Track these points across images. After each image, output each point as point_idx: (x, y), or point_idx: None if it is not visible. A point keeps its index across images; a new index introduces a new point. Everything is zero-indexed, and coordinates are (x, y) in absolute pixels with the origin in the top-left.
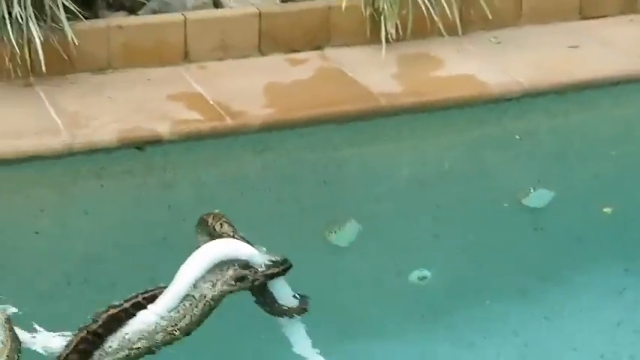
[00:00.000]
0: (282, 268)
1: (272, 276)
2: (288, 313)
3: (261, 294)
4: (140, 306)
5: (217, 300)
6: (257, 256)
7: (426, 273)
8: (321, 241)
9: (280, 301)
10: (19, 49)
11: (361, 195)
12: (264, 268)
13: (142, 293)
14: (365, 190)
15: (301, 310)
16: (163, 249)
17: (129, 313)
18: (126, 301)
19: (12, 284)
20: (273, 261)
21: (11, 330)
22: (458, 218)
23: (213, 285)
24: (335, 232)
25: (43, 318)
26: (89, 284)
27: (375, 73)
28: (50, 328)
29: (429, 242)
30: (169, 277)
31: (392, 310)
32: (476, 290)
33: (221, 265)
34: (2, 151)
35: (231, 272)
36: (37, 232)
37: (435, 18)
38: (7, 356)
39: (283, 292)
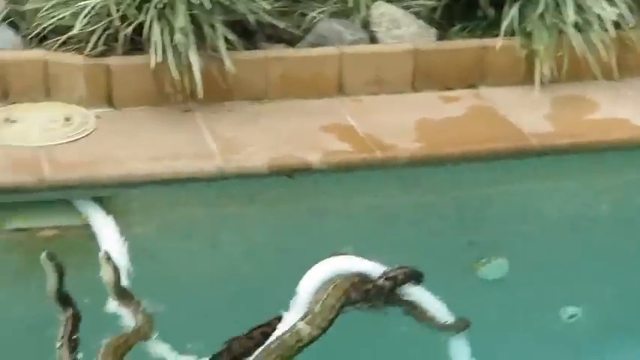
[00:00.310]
0: (402, 272)
1: (393, 280)
2: (448, 327)
3: (400, 303)
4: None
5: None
6: (377, 268)
7: (576, 310)
8: (469, 276)
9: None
10: (180, 75)
11: (509, 232)
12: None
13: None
14: (513, 228)
15: (463, 325)
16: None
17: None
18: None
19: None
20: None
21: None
22: (609, 260)
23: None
24: (484, 265)
25: (190, 336)
26: (234, 305)
27: (528, 114)
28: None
29: (579, 281)
30: None
31: (540, 346)
32: (627, 331)
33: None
34: (160, 172)
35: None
36: (188, 251)
37: (591, 61)
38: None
39: (432, 304)
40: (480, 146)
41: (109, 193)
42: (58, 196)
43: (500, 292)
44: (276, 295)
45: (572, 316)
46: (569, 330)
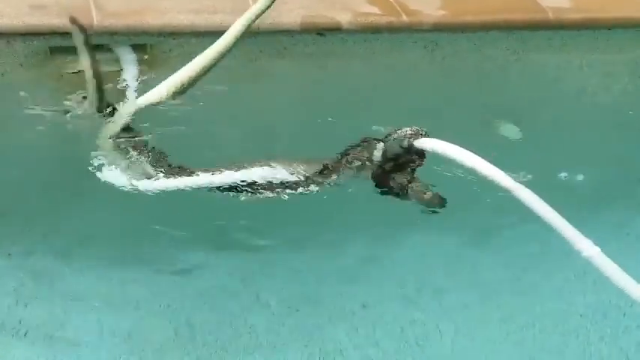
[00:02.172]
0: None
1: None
2: (424, 200)
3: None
4: None
5: None
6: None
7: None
8: (481, 136)
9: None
10: None
11: (522, 99)
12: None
13: None
14: (526, 95)
15: (438, 201)
16: (330, 126)
17: None
18: None
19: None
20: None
21: None
22: (614, 130)
23: None
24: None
25: None
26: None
27: None
28: None
29: (584, 148)
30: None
31: None
32: (624, 196)
33: None
34: (197, 24)
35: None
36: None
37: None
38: None
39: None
40: (499, 16)
41: (150, 41)
42: (104, 42)
43: (510, 154)
44: (300, 141)
45: (573, 179)
46: (569, 192)
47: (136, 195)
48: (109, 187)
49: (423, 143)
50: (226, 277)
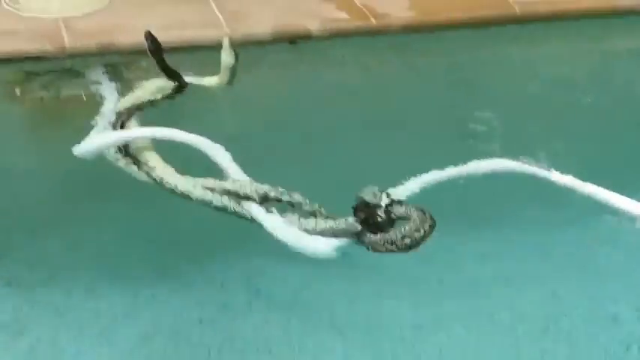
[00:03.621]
0: None
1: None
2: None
3: None
4: None
5: None
6: None
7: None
8: (456, 130)
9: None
10: None
11: (493, 92)
12: None
13: None
14: (497, 89)
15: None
16: (313, 128)
17: None
18: None
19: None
20: None
21: None
22: (585, 119)
23: None
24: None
25: None
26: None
27: None
28: None
29: (551, 135)
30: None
31: None
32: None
33: None
34: (168, 40)
35: None
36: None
37: None
38: None
39: None
40: (467, 14)
41: (123, 60)
42: (76, 64)
43: (484, 144)
44: (276, 148)
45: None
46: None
47: None
48: None
49: None
50: None
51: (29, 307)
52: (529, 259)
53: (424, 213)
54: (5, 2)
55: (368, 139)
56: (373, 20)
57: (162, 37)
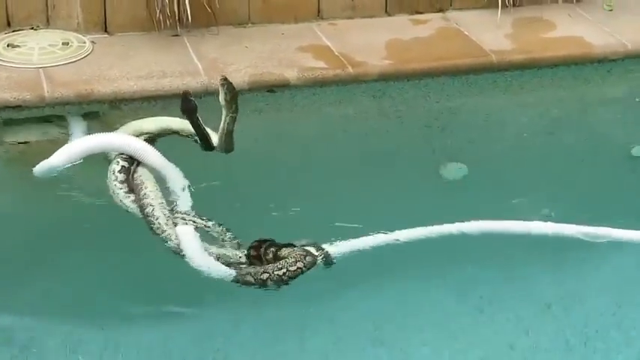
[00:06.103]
0: None
1: None
2: None
3: None
4: None
5: None
6: None
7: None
8: (432, 177)
9: None
10: (169, 2)
11: (469, 140)
12: None
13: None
14: (473, 136)
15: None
16: (289, 174)
17: None
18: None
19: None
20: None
21: None
22: (562, 165)
23: None
24: (445, 168)
25: None
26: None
27: (490, 33)
28: None
29: (532, 184)
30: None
31: None
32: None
33: None
34: (147, 89)
35: None
36: None
37: None
38: None
39: None
40: (443, 62)
41: (103, 109)
42: (56, 112)
43: (460, 193)
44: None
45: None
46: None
47: None
48: None
49: None
50: None
51: None
52: None
53: (306, 253)
54: None
55: (344, 185)
56: (351, 69)
57: (140, 85)
